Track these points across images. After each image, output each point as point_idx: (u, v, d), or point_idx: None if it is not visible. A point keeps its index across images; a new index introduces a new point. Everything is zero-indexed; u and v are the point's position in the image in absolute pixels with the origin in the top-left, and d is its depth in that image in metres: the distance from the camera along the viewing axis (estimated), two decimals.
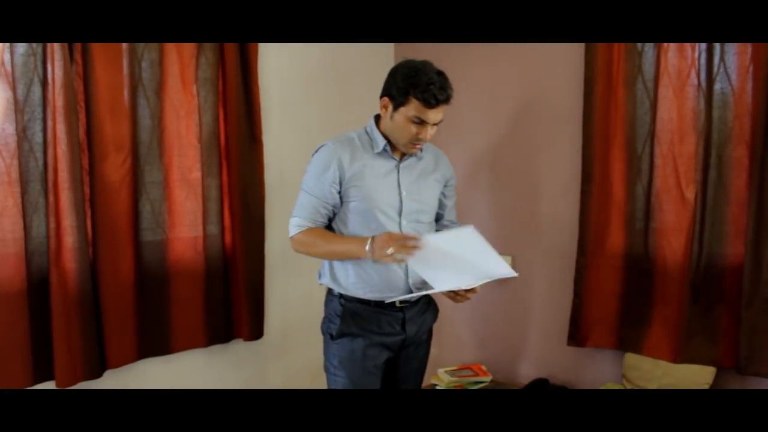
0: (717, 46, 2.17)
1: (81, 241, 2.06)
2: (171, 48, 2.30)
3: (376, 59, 3.02)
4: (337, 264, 1.89)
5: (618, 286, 2.44)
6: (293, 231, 1.87)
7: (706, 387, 2.25)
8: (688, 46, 2.24)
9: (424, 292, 1.86)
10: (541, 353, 2.74)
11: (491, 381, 2.75)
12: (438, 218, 2.03)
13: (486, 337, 2.92)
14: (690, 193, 2.25)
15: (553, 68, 2.62)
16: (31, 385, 2.05)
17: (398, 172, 1.88)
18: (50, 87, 1.99)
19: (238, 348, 2.62)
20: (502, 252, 1.76)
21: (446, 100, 1.77)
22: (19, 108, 1.97)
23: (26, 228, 2.00)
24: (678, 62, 2.27)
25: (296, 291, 2.78)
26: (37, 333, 2.03)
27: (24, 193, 1.99)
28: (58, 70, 1.98)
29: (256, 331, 2.59)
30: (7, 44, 1.92)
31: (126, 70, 2.19)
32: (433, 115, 1.77)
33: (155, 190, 2.32)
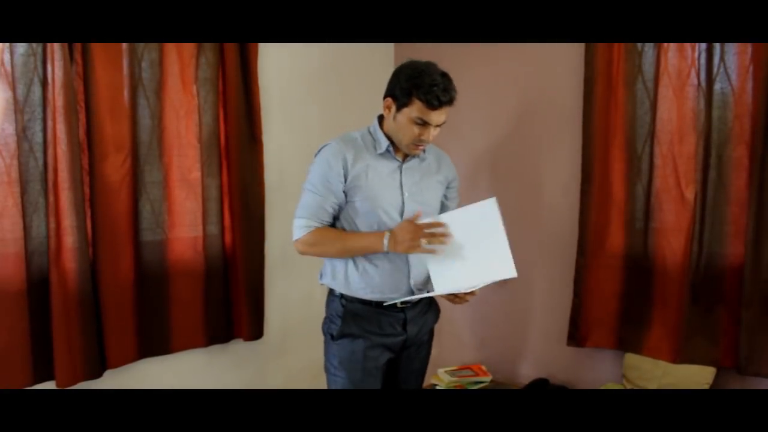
0: (717, 46, 2.17)
1: (81, 241, 2.06)
2: (171, 48, 2.30)
3: (376, 59, 3.02)
4: (338, 264, 1.89)
5: (618, 286, 2.44)
6: (300, 233, 1.84)
7: (706, 387, 2.25)
8: (688, 46, 2.24)
9: (425, 295, 1.86)
10: (541, 353, 2.74)
11: (491, 381, 2.75)
12: None
13: (486, 337, 2.92)
14: (690, 193, 2.25)
15: (553, 68, 2.62)
16: (31, 385, 2.05)
17: (401, 173, 1.88)
18: (50, 87, 1.99)
19: (238, 348, 2.62)
20: None
21: (449, 101, 1.76)
22: (19, 108, 1.97)
23: (26, 228, 2.00)
24: (678, 62, 2.27)
25: (296, 291, 2.78)
26: (37, 333, 2.03)
27: (24, 193, 1.99)
28: (58, 70, 1.98)
29: (255, 331, 2.59)
30: (7, 44, 1.92)
31: (126, 70, 2.19)
32: (436, 116, 1.77)
33: (155, 190, 2.32)
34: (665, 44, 2.28)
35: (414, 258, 1.84)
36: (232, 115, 2.45)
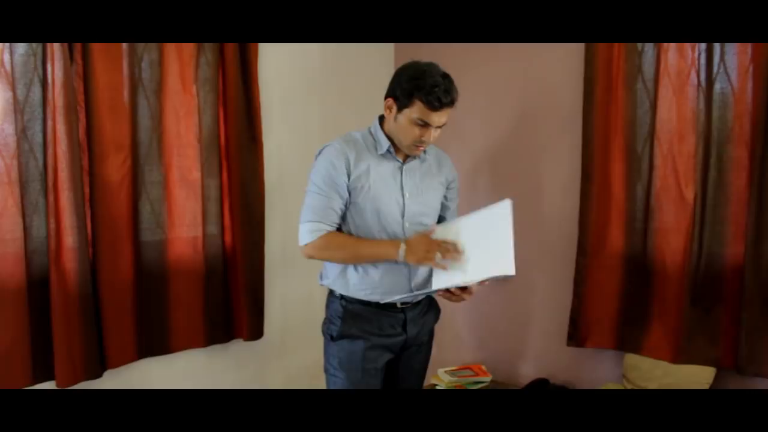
0: (717, 46, 2.17)
1: (81, 241, 2.06)
2: (171, 48, 2.30)
3: (376, 59, 3.02)
4: (339, 265, 1.88)
5: (618, 286, 2.44)
6: (310, 237, 1.80)
7: (706, 387, 2.25)
8: (688, 46, 2.24)
9: (422, 292, 1.86)
10: (541, 353, 2.74)
11: (491, 381, 2.75)
12: (440, 221, 2.02)
13: (486, 337, 2.92)
14: (690, 193, 2.25)
15: (553, 68, 2.62)
16: (31, 385, 2.05)
17: (402, 173, 1.88)
18: (50, 87, 1.99)
19: (238, 348, 2.62)
20: None
21: (451, 103, 1.76)
22: (19, 108, 1.97)
23: (26, 228, 2.00)
24: (678, 62, 2.27)
25: (296, 291, 2.78)
26: (37, 333, 2.03)
27: (24, 193, 1.99)
28: (58, 70, 1.98)
29: (255, 332, 2.59)
30: (7, 44, 1.92)
31: (126, 70, 2.19)
32: (437, 118, 1.76)
33: (155, 190, 2.32)
34: (665, 44, 2.27)
35: None
36: (232, 115, 2.45)
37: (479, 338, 2.94)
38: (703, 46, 2.20)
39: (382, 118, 1.89)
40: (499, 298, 2.80)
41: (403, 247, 1.76)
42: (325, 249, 1.82)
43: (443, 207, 2.01)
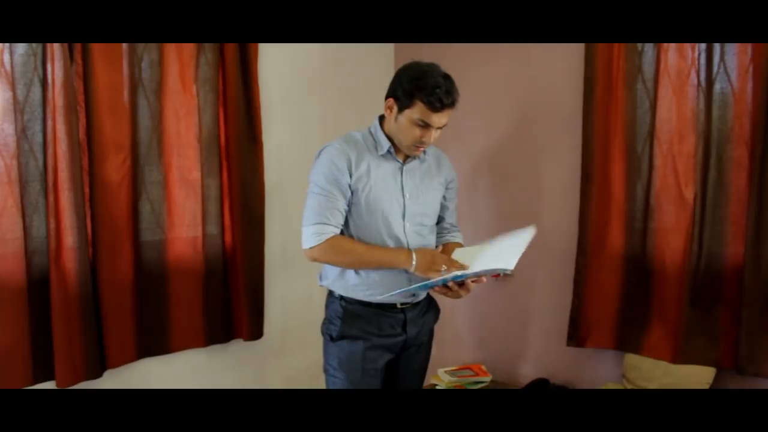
0: (717, 46, 2.17)
1: (81, 241, 2.06)
2: (171, 48, 2.30)
3: (376, 59, 3.02)
4: (339, 266, 1.88)
5: (618, 286, 2.44)
6: (316, 240, 1.78)
7: (706, 387, 2.25)
8: (688, 46, 2.23)
9: (421, 285, 1.83)
10: (541, 353, 2.74)
11: (491, 381, 2.75)
12: (438, 221, 2.02)
13: (486, 337, 2.92)
14: (689, 193, 2.25)
15: (553, 68, 2.62)
16: (31, 385, 2.05)
17: (402, 174, 1.88)
18: (50, 87, 1.99)
19: (238, 348, 2.62)
20: None
21: (452, 104, 1.76)
22: (19, 108, 1.97)
23: (26, 228, 2.00)
24: (678, 62, 2.26)
25: (296, 291, 2.78)
26: (37, 333, 2.03)
27: (24, 193, 1.99)
28: (58, 70, 1.98)
29: (255, 332, 2.59)
30: (7, 44, 1.92)
31: (126, 70, 2.19)
32: (438, 118, 1.76)
33: (155, 190, 2.32)
34: (665, 44, 2.27)
35: None
36: (231, 115, 2.45)
37: (479, 338, 2.94)
38: (703, 46, 2.20)
39: (382, 119, 1.89)
40: (499, 298, 2.80)
41: (415, 257, 1.77)
42: (333, 253, 1.80)
43: (442, 207, 2.01)
